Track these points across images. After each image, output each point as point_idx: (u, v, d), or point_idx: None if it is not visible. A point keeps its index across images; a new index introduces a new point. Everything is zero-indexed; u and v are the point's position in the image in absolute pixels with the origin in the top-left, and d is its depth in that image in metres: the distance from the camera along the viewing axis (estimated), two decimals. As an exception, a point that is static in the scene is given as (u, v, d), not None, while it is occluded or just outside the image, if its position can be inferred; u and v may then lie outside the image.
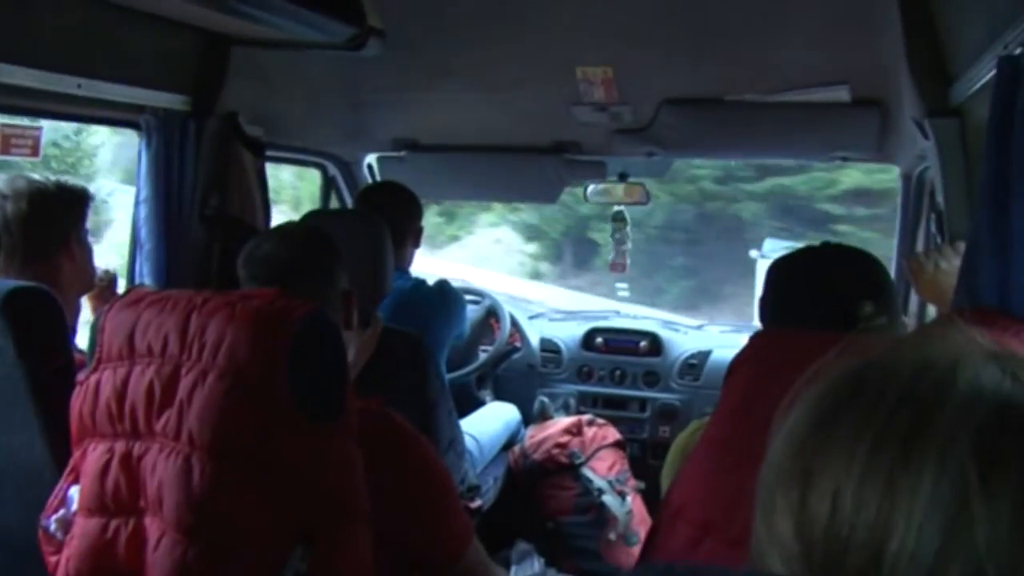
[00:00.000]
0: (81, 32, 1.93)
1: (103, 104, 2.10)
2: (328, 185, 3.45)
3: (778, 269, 1.60)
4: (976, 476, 0.48)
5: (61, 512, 1.26)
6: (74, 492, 1.26)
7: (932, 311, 2.08)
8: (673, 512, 1.30)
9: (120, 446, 1.21)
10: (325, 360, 1.23)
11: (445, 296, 2.61)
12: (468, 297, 3.77)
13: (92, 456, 1.23)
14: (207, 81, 2.33)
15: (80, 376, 1.27)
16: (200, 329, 1.19)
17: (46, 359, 1.49)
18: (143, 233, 2.29)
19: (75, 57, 1.94)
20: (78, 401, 1.25)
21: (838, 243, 1.64)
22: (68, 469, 1.28)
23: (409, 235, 2.63)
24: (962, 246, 1.61)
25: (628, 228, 3.45)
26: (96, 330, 1.27)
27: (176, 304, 1.23)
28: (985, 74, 1.52)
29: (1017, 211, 1.17)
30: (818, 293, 1.49)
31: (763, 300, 1.61)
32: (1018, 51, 1.24)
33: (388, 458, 1.33)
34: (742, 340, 3.71)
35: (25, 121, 2.05)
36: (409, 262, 2.68)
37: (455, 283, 2.79)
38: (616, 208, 3.47)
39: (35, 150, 2.02)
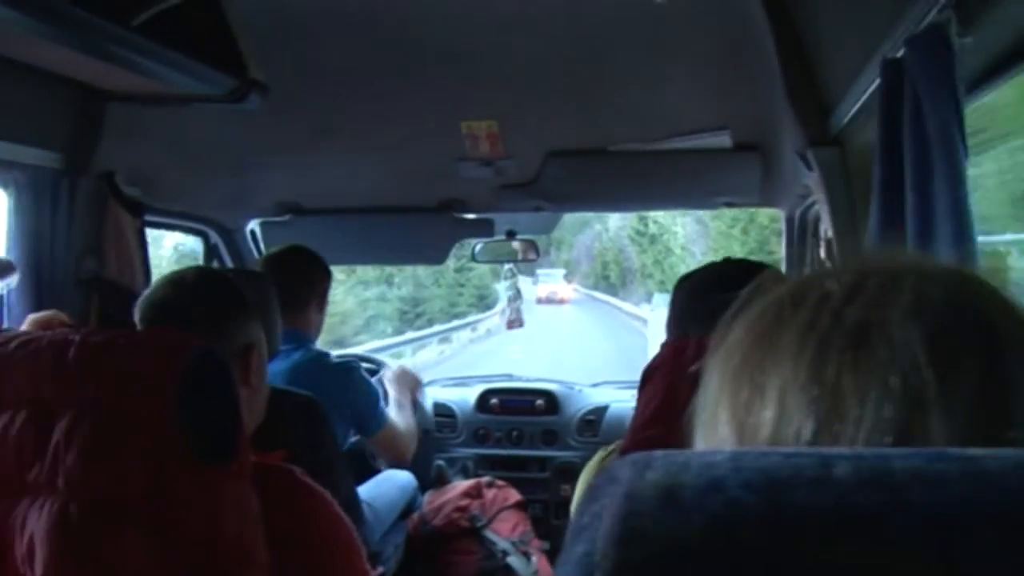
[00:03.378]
0: None
1: None
2: (210, 253, 3.34)
3: (681, 286, 1.63)
4: (932, 374, 0.46)
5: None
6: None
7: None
8: None
9: None
10: (216, 397, 1.16)
11: (349, 370, 2.56)
12: (364, 366, 3.69)
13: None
14: (81, 138, 2.21)
15: None
16: (78, 366, 1.10)
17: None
18: (12, 298, 2.15)
19: None
20: None
21: (740, 258, 1.67)
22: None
23: (312, 299, 2.57)
24: None
25: (519, 284, 3.45)
26: None
27: (50, 342, 1.14)
28: (857, 101, 1.59)
29: (914, 205, 1.21)
30: (719, 307, 1.50)
31: (669, 317, 1.63)
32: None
33: (290, 512, 1.25)
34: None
35: None
36: (316, 330, 2.60)
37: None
38: (507, 266, 3.47)
39: None
